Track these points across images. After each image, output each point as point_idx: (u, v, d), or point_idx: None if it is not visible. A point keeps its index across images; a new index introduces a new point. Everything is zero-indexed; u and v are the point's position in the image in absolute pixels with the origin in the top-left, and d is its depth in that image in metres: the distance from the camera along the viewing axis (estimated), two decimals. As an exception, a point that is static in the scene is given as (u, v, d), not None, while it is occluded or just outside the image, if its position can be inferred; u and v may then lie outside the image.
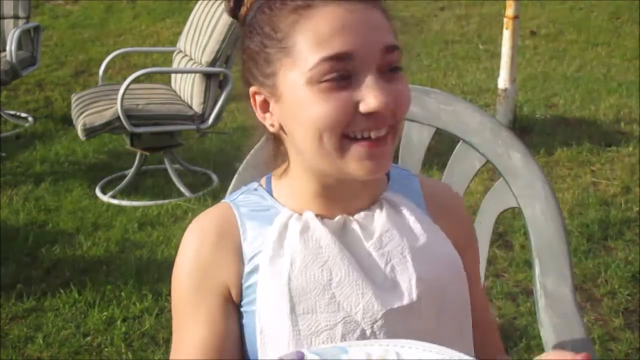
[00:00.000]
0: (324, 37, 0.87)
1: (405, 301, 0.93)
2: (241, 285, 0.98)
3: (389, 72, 0.90)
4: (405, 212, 0.99)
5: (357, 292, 0.92)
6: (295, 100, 0.90)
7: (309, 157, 0.93)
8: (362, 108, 0.87)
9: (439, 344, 0.94)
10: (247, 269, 0.97)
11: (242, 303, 0.98)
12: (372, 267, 0.95)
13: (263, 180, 1.04)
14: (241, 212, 1.00)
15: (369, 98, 0.87)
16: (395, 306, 0.92)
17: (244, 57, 0.98)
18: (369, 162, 0.90)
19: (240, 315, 0.98)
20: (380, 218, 0.97)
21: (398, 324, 0.92)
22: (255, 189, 1.03)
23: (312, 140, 0.90)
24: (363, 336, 0.92)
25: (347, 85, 0.88)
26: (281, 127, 0.95)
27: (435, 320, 0.95)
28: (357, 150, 0.89)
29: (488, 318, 1.13)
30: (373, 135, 0.89)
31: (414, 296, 0.93)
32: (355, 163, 0.90)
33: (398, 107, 0.90)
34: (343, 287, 0.93)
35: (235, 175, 1.32)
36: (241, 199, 1.02)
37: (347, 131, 0.89)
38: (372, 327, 0.92)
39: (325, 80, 0.87)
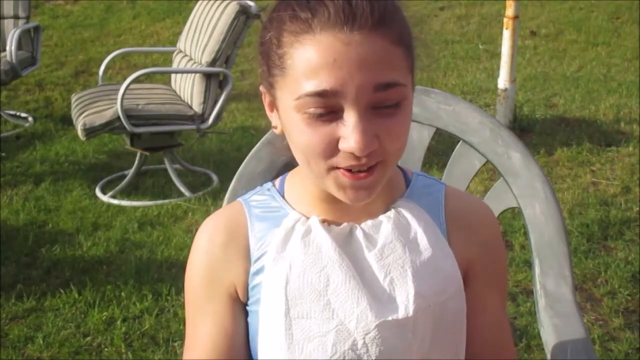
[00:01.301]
0: (313, 70, 0.84)
1: (401, 315, 0.91)
2: (247, 285, 0.98)
3: (383, 108, 0.87)
4: (414, 224, 0.97)
5: (352, 300, 0.92)
6: (287, 121, 0.90)
7: (303, 171, 0.95)
8: (341, 146, 0.86)
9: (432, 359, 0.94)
10: (253, 269, 0.98)
11: (249, 302, 0.99)
12: (371, 278, 0.94)
13: (277, 181, 1.05)
14: (252, 213, 1.01)
15: (348, 139, 0.85)
16: (390, 318, 0.91)
17: (258, 51, 0.95)
18: (350, 191, 0.90)
19: (247, 315, 1.00)
20: (386, 228, 0.96)
21: (391, 337, 0.91)
22: (268, 190, 1.03)
23: (302, 161, 0.92)
24: (354, 347, 0.91)
25: (333, 118, 0.86)
26: (283, 132, 0.95)
27: (430, 337, 0.94)
28: (339, 178, 0.89)
29: (503, 344, 1.04)
30: (354, 170, 0.88)
31: (410, 311, 0.91)
32: (337, 190, 0.91)
33: (387, 143, 0.87)
34: (339, 294, 0.92)
35: (233, 181, 1.32)
36: (254, 199, 1.03)
37: (330, 161, 0.88)
38: (364, 338, 0.91)
39: (309, 113, 0.86)
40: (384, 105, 0.86)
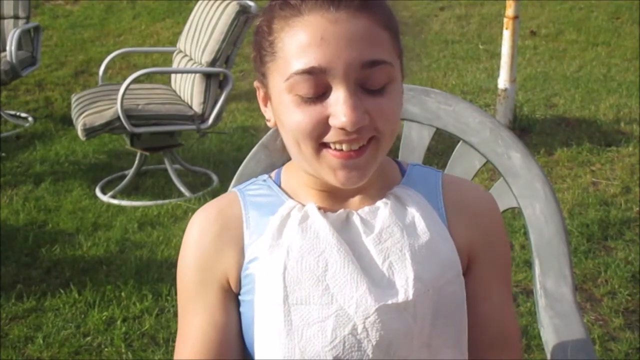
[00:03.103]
0: (301, 49, 0.87)
1: (401, 299, 0.91)
2: (240, 275, 0.98)
3: (371, 88, 0.88)
4: (412, 209, 0.97)
5: (352, 285, 0.92)
6: (279, 104, 0.92)
7: (294, 158, 0.96)
8: (331, 123, 0.88)
9: (433, 346, 0.94)
10: (246, 258, 0.98)
11: (241, 292, 0.99)
12: (370, 263, 0.94)
13: (274, 172, 1.05)
14: (247, 201, 1.01)
15: (338, 115, 0.87)
16: (389, 302, 0.91)
17: (252, 43, 0.98)
18: (341, 172, 0.91)
19: (239, 305, 0.99)
20: (383, 213, 0.96)
21: (391, 321, 0.91)
22: (265, 180, 1.04)
23: (292, 144, 0.93)
24: (354, 331, 0.90)
25: (322, 97, 0.88)
26: (276, 124, 0.97)
27: (430, 321, 0.93)
28: (331, 159, 0.90)
29: (508, 330, 1.03)
30: (345, 148, 0.89)
31: (410, 295, 0.91)
32: (328, 172, 0.91)
33: (378, 121, 0.89)
34: (337, 279, 0.92)
35: (233, 182, 1.32)
36: (249, 189, 1.04)
37: (322, 140, 0.90)
38: (364, 322, 0.90)
39: (299, 95, 0.88)
40: (371, 87, 0.88)
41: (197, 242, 1.01)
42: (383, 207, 0.97)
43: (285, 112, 0.90)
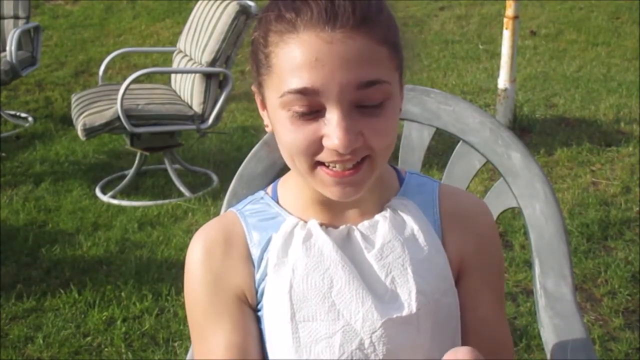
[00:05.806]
0: (296, 68, 0.85)
1: (405, 312, 0.92)
2: (256, 288, 0.98)
3: (366, 106, 0.87)
4: (410, 222, 0.97)
5: (357, 301, 0.92)
6: (274, 119, 0.91)
7: (293, 171, 0.96)
8: (325, 143, 0.87)
9: (432, 357, 0.95)
10: (258, 276, 0.98)
11: (258, 307, 0.99)
12: (373, 278, 0.95)
13: (269, 189, 1.05)
14: (248, 222, 1.01)
15: (332, 137, 0.86)
16: (394, 316, 0.92)
17: (249, 51, 0.97)
18: (335, 189, 0.90)
19: (258, 319, 0.99)
20: (382, 228, 0.97)
21: (397, 335, 0.92)
22: (262, 198, 1.04)
23: (287, 159, 0.92)
24: (361, 346, 0.92)
25: (316, 117, 0.87)
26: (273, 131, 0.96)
27: (430, 333, 0.95)
28: (325, 176, 0.90)
29: (499, 340, 1.03)
30: (339, 167, 0.88)
31: (414, 308, 0.93)
32: (323, 188, 0.91)
33: (373, 141, 0.87)
34: (343, 295, 0.93)
35: (233, 181, 1.32)
36: (247, 209, 1.03)
37: (316, 158, 0.89)
38: (370, 337, 0.92)
39: (293, 110, 0.87)
40: (367, 104, 0.87)
41: (206, 261, 0.99)
42: (382, 222, 0.97)
43: (280, 129, 0.90)
